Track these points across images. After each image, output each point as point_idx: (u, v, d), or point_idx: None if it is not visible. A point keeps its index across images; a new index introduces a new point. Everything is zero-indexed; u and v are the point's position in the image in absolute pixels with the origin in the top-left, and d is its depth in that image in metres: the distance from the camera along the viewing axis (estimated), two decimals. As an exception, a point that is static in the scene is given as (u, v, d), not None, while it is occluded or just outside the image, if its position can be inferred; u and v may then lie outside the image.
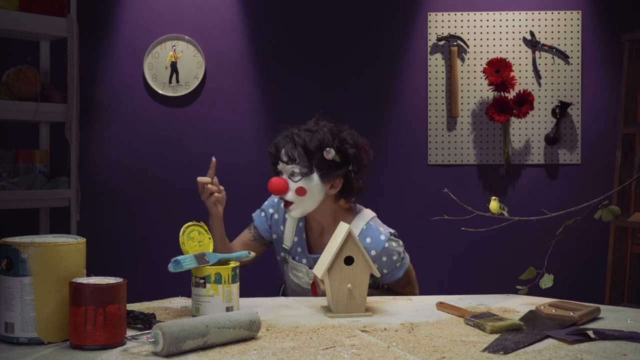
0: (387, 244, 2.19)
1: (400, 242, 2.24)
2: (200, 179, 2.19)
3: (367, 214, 2.28)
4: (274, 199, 2.39)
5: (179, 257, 1.72)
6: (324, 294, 2.05)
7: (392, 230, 2.24)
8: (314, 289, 2.21)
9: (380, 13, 3.82)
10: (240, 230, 2.42)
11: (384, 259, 2.19)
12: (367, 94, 3.82)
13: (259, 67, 3.81)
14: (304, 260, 2.30)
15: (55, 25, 3.44)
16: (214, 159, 2.22)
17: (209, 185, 2.18)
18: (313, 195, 2.19)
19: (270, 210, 2.37)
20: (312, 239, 2.33)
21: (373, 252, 2.18)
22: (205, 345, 1.46)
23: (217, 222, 2.23)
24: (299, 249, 2.32)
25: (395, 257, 2.20)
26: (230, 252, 2.27)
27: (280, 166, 2.21)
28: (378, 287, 2.30)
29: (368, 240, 2.19)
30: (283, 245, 2.35)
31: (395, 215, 3.80)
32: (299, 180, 2.17)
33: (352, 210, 2.29)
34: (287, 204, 2.20)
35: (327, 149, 2.15)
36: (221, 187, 2.21)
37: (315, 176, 2.18)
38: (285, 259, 2.35)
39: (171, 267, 1.70)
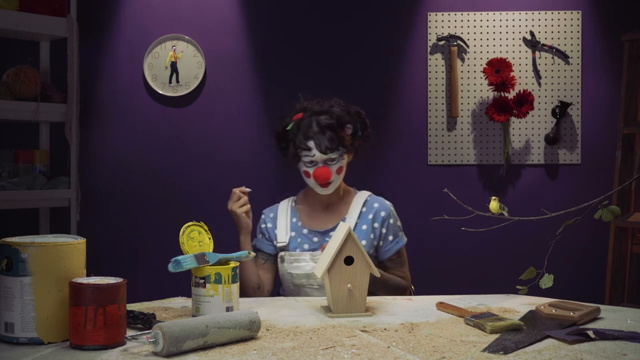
0: (392, 208, 2.44)
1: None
2: (236, 189, 2.35)
3: (366, 192, 2.48)
4: (262, 216, 2.49)
5: (179, 257, 1.72)
6: None
7: None
8: None
9: (380, 13, 3.82)
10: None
11: (391, 221, 2.39)
12: (367, 94, 3.82)
13: (259, 67, 3.81)
14: (306, 246, 2.38)
15: (55, 25, 3.44)
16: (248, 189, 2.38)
17: (245, 197, 2.34)
18: (345, 169, 2.39)
19: (263, 225, 2.46)
20: (311, 224, 2.43)
21: (382, 214, 2.38)
22: (205, 345, 1.46)
23: (248, 237, 2.35)
24: (299, 240, 2.39)
25: (399, 223, 2.44)
26: (256, 269, 2.38)
27: (317, 156, 2.32)
28: (376, 261, 2.40)
29: (376, 204, 2.41)
30: (278, 245, 2.40)
31: (395, 215, 3.81)
32: (337, 162, 2.34)
33: (354, 190, 2.49)
34: (326, 184, 2.35)
35: (348, 125, 2.36)
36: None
37: (345, 153, 2.37)
38: (282, 257, 2.38)
39: (171, 267, 1.71)
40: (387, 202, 2.44)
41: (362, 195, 2.45)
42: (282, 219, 2.42)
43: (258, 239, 2.46)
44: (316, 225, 2.41)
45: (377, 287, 2.23)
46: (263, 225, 2.46)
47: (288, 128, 2.36)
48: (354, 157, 2.46)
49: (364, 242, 2.35)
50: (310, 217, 2.43)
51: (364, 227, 2.38)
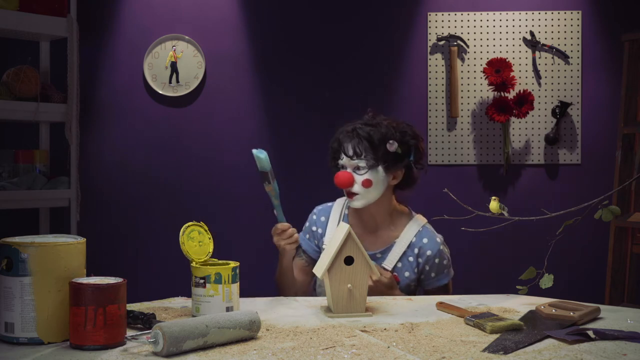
0: (441, 247, 2.33)
1: (448, 250, 2.36)
2: (281, 225, 2.26)
3: (422, 218, 2.39)
4: (313, 216, 2.45)
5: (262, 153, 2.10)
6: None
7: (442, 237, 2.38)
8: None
9: (380, 13, 3.82)
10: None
11: (437, 261, 2.31)
12: (367, 93, 3.82)
13: (259, 67, 3.81)
14: None
15: (55, 25, 3.44)
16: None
17: (290, 230, 2.26)
18: (378, 187, 2.28)
19: (313, 228, 2.43)
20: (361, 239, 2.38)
21: (429, 253, 2.30)
22: (205, 345, 1.46)
23: (289, 259, 2.31)
24: None
25: (445, 262, 2.33)
26: (295, 282, 2.36)
27: (344, 161, 2.28)
28: (415, 293, 2.35)
29: (425, 240, 2.32)
30: (324, 247, 2.37)
31: (395, 215, 3.80)
32: (365, 172, 2.25)
33: (408, 212, 2.40)
34: (351, 194, 2.28)
35: (390, 141, 2.25)
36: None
37: (380, 168, 2.26)
38: None
39: (258, 151, 2.10)
40: (438, 239, 2.33)
41: (417, 223, 2.36)
42: (333, 226, 2.38)
43: (305, 240, 2.42)
44: (364, 245, 2.38)
45: None
46: (314, 228, 2.42)
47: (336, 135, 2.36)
48: (406, 185, 2.36)
49: (407, 274, 2.32)
50: (358, 236, 2.39)
51: (410, 258, 2.32)
